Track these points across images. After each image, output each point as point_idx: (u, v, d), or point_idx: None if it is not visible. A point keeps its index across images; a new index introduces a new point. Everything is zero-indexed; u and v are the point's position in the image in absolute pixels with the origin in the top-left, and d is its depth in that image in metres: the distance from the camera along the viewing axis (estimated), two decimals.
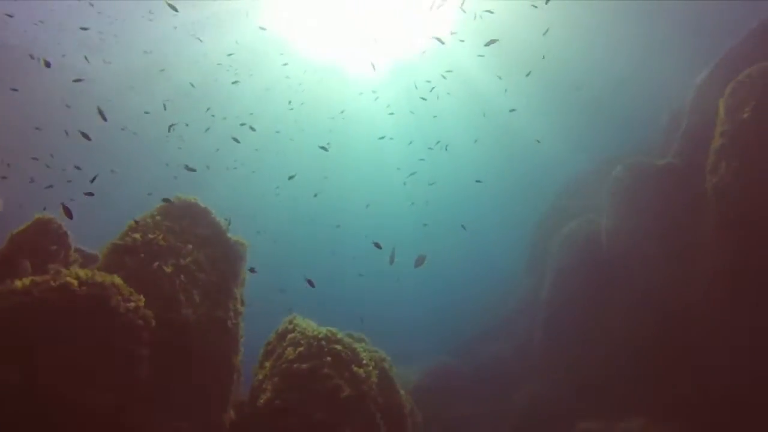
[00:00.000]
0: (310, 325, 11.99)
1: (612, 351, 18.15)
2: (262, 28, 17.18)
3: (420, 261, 11.61)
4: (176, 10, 11.24)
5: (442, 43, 15.63)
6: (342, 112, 26.37)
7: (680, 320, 15.90)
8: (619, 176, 20.69)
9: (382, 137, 24.06)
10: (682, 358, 15.57)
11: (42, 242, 9.89)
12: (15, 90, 12.54)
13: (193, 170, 13.67)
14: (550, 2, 17.10)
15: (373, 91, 25.90)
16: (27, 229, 9.93)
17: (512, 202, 40.54)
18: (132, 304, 7.64)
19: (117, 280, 7.76)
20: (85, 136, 8.24)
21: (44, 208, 9.23)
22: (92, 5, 17.99)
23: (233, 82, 22.39)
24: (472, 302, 34.35)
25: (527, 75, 16.29)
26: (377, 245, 12.26)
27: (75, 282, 7.22)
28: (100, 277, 7.59)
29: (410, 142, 27.54)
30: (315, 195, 20.51)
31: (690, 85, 19.80)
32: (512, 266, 32.59)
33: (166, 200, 9.48)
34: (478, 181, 20.78)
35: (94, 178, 8.17)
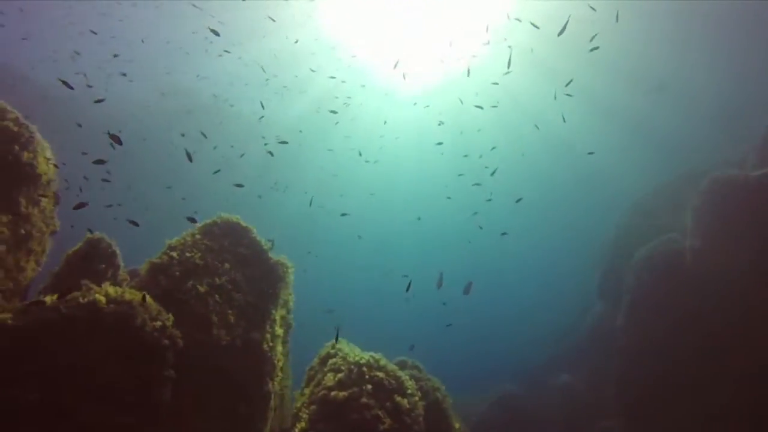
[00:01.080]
0: (353, 350, 11.36)
1: (701, 390, 15.76)
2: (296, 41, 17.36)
3: (468, 288, 10.74)
4: (218, 35, 11.53)
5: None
6: (385, 122, 26.06)
7: None
8: (705, 190, 18.45)
9: (440, 143, 23.38)
10: None
11: (91, 261, 10.22)
12: (79, 126, 13.55)
13: (241, 186, 13.85)
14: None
15: (426, 106, 25.38)
16: (79, 249, 10.32)
17: (579, 219, 37.83)
18: (159, 323, 7.44)
19: (146, 298, 7.62)
20: (99, 161, 8.34)
21: (89, 230, 9.44)
22: (143, 42, 19.31)
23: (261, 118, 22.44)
24: (538, 328, 32.08)
25: (567, 84, 14.94)
26: (439, 283, 11.60)
27: (103, 299, 7.15)
28: (130, 295, 7.48)
29: (465, 155, 26.61)
30: (342, 215, 20.17)
31: None
32: (581, 289, 30.11)
33: (191, 219, 9.39)
34: (518, 200, 19.37)
35: (81, 205, 8.20)
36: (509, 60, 12.25)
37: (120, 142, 7.25)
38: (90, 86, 17.08)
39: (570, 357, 28.26)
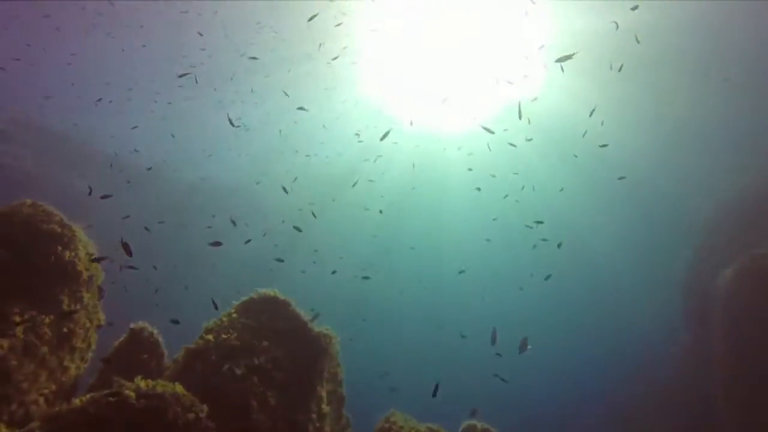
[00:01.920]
0: (408, 422, 10.37)
1: None
2: (302, 108, 17.98)
3: (524, 345, 9.75)
4: (233, 124, 11.97)
5: (492, 132, 14.53)
6: (414, 166, 25.88)
7: None
8: None
9: (478, 188, 22.78)
10: None
11: (135, 353, 10.16)
12: (126, 218, 14.23)
13: (281, 261, 13.77)
14: None
15: (459, 148, 25.16)
16: (123, 341, 10.35)
17: (647, 247, 34.97)
18: (192, 416, 7.00)
19: (178, 389, 7.25)
20: (100, 259, 8.62)
21: (130, 326, 9.54)
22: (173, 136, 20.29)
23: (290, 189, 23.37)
24: (618, 366, 29.14)
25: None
26: (494, 338, 10.74)
27: (134, 395, 6.83)
28: (161, 387, 7.14)
29: (505, 196, 25.70)
30: (365, 278, 19.65)
31: None
32: (661, 320, 27.26)
33: (215, 305, 9.27)
34: (544, 240, 18.28)
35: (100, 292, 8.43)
36: (519, 110, 11.98)
37: (131, 254, 7.50)
38: (128, 182, 18.49)
39: (661, 394, 25.25)
